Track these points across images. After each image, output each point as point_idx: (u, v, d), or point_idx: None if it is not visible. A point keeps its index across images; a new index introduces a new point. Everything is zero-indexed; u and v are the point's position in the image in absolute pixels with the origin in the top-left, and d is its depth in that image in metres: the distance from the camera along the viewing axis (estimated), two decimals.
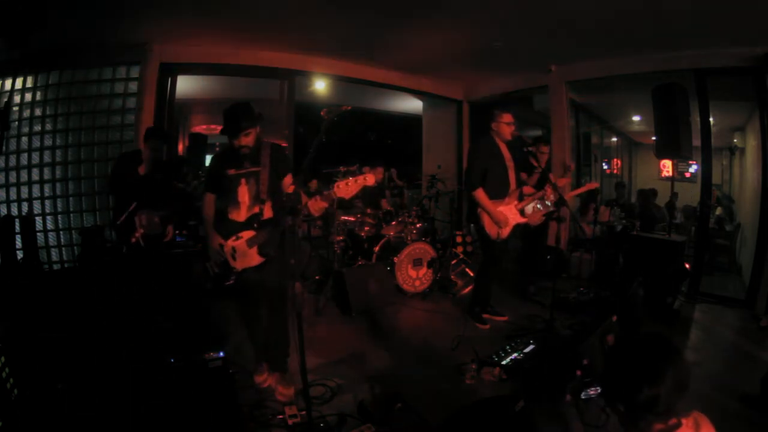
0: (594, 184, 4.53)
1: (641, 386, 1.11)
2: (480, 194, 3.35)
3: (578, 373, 1.82)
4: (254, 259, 2.46)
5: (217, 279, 2.54)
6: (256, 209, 2.47)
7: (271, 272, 2.49)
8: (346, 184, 2.01)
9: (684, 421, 1.16)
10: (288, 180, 2.58)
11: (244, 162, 2.48)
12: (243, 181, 2.48)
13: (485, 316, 3.73)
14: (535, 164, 4.09)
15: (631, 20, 3.80)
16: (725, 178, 8.05)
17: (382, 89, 6.57)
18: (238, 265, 2.48)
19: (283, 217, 2.24)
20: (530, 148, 4.21)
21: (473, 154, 3.52)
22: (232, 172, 2.49)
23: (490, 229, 3.39)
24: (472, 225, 3.78)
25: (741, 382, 2.77)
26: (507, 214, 3.42)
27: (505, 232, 3.44)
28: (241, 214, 2.49)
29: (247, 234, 2.45)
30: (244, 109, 2.39)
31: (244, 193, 2.49)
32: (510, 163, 3.49)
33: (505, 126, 3.42)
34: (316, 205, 2.11)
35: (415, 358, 3.05)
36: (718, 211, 6.60)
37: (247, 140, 2.39)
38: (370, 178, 2.04)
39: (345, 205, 4.79)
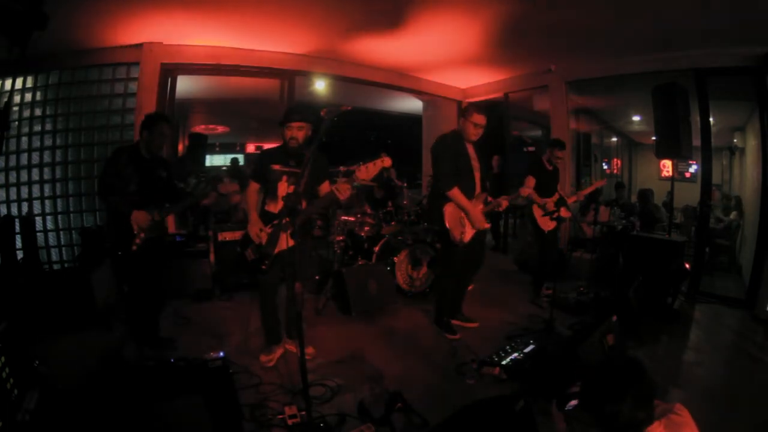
0: (601, 182, 4.53)
1: (604, 403, 1.34)
2: (457, 193, 3.13)
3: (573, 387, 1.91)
4: (285, 243, 2.67)
5: (254, 264, 2.73)
6: None
7: (298, 254, 2.70)
8: (366, 167, 2.27)
9: (648, 429, 1.32)
10: (325, 186, 2.78)
11: (289, 160, 2.75)
12: (284, 178, 2.75)
13: (455, 322, 3.53)
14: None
15: (631, 20, 3.81)
16: (725, 178, 8.05)
17: (382, 89, 6.57)
18: (273, 249, 2.69)
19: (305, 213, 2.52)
20: (551, 151, 4.18)
21: (440, 149, 3.23)
22: (276, 167, 2.75)
23: (454, 231, 3.16)
24: (433, 227, 3.57)
25: (741, 382, 2.78)
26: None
27: (468, 235, 3.23)
28: (277, 207, 2.75)
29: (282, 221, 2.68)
30: (299, 107, 2.73)
31: (283, 190, 2.74)
32: (476, 164, 3.29)
33: (472, 126, 3.19)
34: (342, 187, 2.38)
35: (415, 358, 3.05)
36: (733, 215, 6.45)
37: (296, 133, 2.67)
38: (387, 161, 2.26)
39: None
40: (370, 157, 2.31)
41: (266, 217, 2.77)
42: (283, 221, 2.58)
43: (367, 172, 2.27)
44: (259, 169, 2.85)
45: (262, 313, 2.97)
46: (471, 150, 3.30)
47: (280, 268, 2.80)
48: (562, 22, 3.98)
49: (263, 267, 2.70)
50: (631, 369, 1.41)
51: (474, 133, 3.22)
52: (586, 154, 7.50)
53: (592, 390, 1.45)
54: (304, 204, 2.64)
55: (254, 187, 2.86)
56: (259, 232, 2.70)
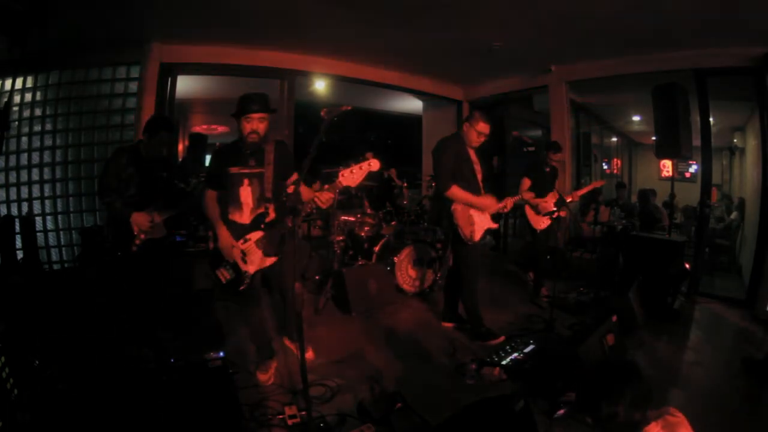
0: (599, 182, 4.51)
1: (601, 405, 1.39)
2: (456, 190, 3.11)
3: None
4: (265, 260, 2.45)
5: (231, 285, 2.46)
6: (262, 209, 2.41)
7: (282, 268, 2.49)
8: (351, 171, 1.99)
9: (645, 429, 1.36)
10: (293, 179, 2.52)
11: (248, 160, 2.41)
12: (246, 181, 2.42)
13: (450, 325, 3.57)
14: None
15: (631, 20, 3.80)
16: (725, 178, 8.06)
17: (382, 89, 6.57)
18: (250, 268, 2.46)
19: (285, 218, 2.23)
20: (546, 153, 4.16)
21: (440, 152, 3.21)
22: (234, 170, 2.40)
23: (464, 229, 3.15)
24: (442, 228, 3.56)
25: (740, 382, 2.77)
26: (480, 216, 3.23)
27: (478, 234, 3.21)
28: (244, 216, 2.45)
29: (255, 235, 2.42)
30: (260, 95, 2.37)
31: (247, 195, 2.43)
32: (477, 167, 3.29)
33: (475, 134, 3.15)
34: (323, 197, 2.11)
35: (416, 358, 3.05)
36: (733, 215, 6.46)
37: (257, 126, 2.33)
38: (375, 164, 1.98)
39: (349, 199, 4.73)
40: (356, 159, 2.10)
41: (234, 229, 2.44)
42: (262, 235, 2.38)
43: (351, 177, 1.99)
44: (214, 173, 2.49)
45: (251, 328, 2.76)
46: (472, 153, 3.29)
47: (262, 282, 2.59)
48: (562, 22, 3.98)
49: (241, 288, 2.45)
50: (626, 371, 1.47)
51: (476, 140, 3.19)
52: (586, 154, 7.51)
53: (590, 392, 1.50)
54: (272, 206, 2.41)
55: (212, 195, 2.51)
56: (231, 249, 2.40)
